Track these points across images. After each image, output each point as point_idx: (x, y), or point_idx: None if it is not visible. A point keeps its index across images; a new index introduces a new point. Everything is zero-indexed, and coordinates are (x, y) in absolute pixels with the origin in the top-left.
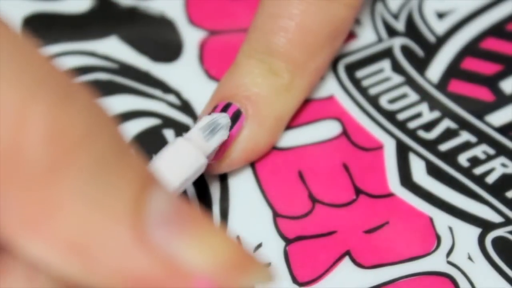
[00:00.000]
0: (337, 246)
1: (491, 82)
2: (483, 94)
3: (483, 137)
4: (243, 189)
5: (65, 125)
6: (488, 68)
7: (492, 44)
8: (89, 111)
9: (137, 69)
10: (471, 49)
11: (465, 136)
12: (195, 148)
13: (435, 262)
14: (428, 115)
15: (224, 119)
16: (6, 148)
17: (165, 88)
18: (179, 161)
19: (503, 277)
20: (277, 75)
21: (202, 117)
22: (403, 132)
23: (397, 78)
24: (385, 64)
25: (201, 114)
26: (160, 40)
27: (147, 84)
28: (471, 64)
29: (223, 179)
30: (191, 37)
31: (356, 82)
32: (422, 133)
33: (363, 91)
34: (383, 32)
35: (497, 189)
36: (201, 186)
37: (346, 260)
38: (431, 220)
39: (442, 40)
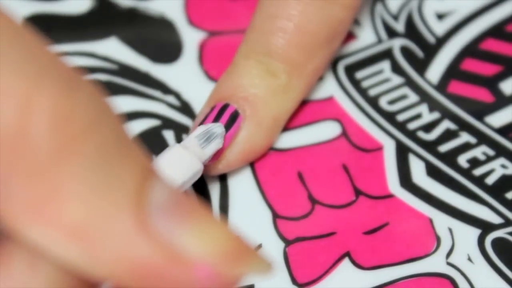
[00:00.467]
0: (336, 247)
1: (491, 83)
2: (483, 95)
3: (483, 138)
4: (243, 190)
5: (70, 112)
6: (488, 69)
7: (492, 45)
8: (94, 100)
9: (136, 70)
10: (471, 50)
11: (464, 137)
12: (191, 154)
13: (435, 263)
14: (428, 116)
15: (219, 128)
16: (12, 134)
17: (165, 89)
18: (176, 167)
19: (503, 278)
20: (275, 76)
21: (200, 117)
22: (403, 133)
23: (397, 79)
24: (385, 65)
25: (199, 114)
26: (160, 41)
27: (147, 85)
28: (471, 65)
29: (223, 180)
30: (191, 38)
31: (356, 83)
32: (421, 134)
33: (362, 92)
34: (383, 33)
35: (497, 190)
36: (200, 187)
37: (346, 261)
38: (430, 221)
39: (442, 41)
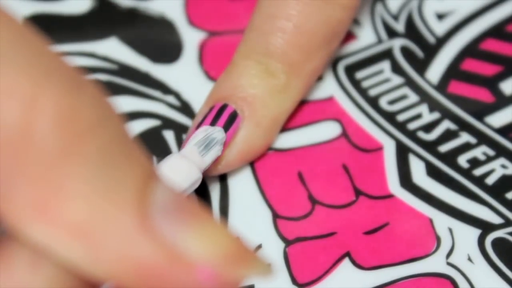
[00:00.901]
0: (337, 247)
1: (491, 83)
2: (483, 95)
3: (483, 138)
4: (243, 190)
5: (75, 112)
6: (488, 69)
7: (492, 45)
8: (97, 101)
9: (136, 70)
10: (471, 50)
11: (465, 137)
12: (189, 163)
13: (435, 263)
14: (428, 116)
15: (219, 134)
16: (16, 133)
17: (165, 89)
18: (175, 176)
19: (503, 278)
20: (274, 76)
21: (199, 117)
22: (403, 133)
23: (397, 79)
24: (385, 65)
25: (198, 114)
26: (160, 41)
27: (147, 85)
28: (471, 65)
29: (223, 180)
30: (191, 38)
31: (356, 83)
32: (422, 134)
33: (363, 92)
34: (383, 33)
35: (497, 190)
36: (201, 187)
37: (346, 261)
38: (431, 221)
39: (442, 41)
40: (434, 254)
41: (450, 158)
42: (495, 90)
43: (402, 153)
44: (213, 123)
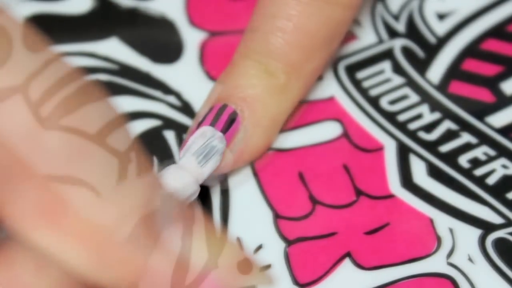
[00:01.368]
0: (337, 247)
1: (492, 83)
2: (484, 95)
3: (483, 138)
4: (244, 190)
5: (82, 121)
6: (488, 69)
7: (493, 45)
8: (103, 110)
9: (137, 70)
10: (472, 50)
11: (465, 137)
12: (187, 175)
13: (436, 263)
14: (429, 116)
15: (218, 141)
16: (24, 138)
17: (166, 89)
18: (171, 187)
19: (504, 278)
20: (273, 76)
21: (199, 117)
22: (404, 133)
23: (398, 79)
24: (386, 65)
25: (198, 114)
26: (161, 41)
27: (148, 85)
28: (472, 65)
29: (224, 180)
30: (192, 38)
31: (357, 83)
32: (422, 134)
33: (363, 92)
34: (384, 33)
35: (498, 190)
36: (201, 187)
37: (347, 262)
38: (431, 221)
39: (442, 41)
40: (434, 254)
41: (451, 158)
42: (496, 90)
43: (403, 153)
44: (212, 123)
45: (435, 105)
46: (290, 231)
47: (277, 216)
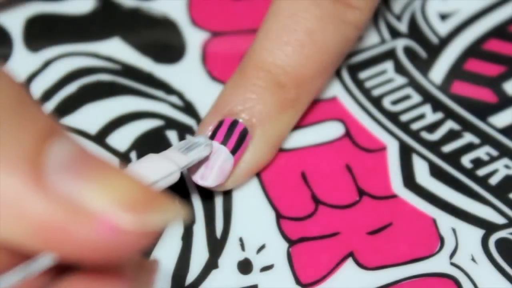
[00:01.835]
0: (340, 247)
1: (494, 84)
2: (486, 95)
3: (486, 139)
4: (246, 190)
5: None
6: (491, 69)
7: (495, 46)
8: None
9: (140, 70)
10: (474, 50)
11: (468, 138)
12: (162, 157)
13: (438, 263)
14: (431, 117)
15: (201, 138)
16: None
17: (168, 89)
18: (144, 168)
19: (507, 278)
20: (284, 89)
21: (206, 127)
22: (406, 133)
23: (400, 80)
24: (388, 65)
25: (205, 123)
26: (163, 41)
27: (150, 85)
28: (474, 66)
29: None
30: (194, 38)
31: (359, 83)
32: (425, 135)
33: (366, 92)
34: (386, 34)
35: (500, 190)
36: (204, 189)
37: (350, 261)
38: (434, 221)
39: (445, 41)
40: (437, 254)
41: (453, 158)
42: (498, 90)
43: (406, 153)
44: (224, 141)
45: (437, 105)
46: (292, 231)
47: (279, 216)
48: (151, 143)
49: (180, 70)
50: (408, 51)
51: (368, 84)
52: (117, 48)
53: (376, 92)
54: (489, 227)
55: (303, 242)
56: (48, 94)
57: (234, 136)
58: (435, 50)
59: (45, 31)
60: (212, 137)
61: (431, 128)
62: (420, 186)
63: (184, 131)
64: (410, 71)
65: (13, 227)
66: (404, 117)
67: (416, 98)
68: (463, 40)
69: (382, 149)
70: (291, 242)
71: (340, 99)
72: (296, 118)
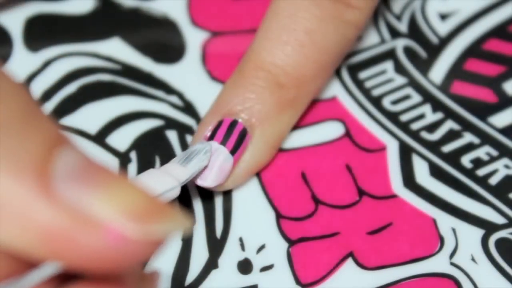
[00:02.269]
0: (340, 247)
1: (494, 83)
2: (486, 95)
3: (486, 139)
4: (246, 190)
5: None
6: (491, 69)
7: (495, 46)
8: None
9: (140, 70)
10: (474, 50)
11: (468, 138)
12: (162, 173)
13: (438, 263)
14: (431, 116)
15: (199, 145)
16: None
17: (168, 89)
18: (145, 183)
19: (507, 278)
20: (283, 89)
21: (205, 127)
22: (406, 133)
23: (400, 79)
24: (388, 65)
25: (204, 124)
26: (163, 41)
27: (150, 85)
28: (474, 66)
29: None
30: (194, 38)
31: (359, 83)
32: (425, 134)
33: (366, 92)
34: (386, 33)
35: (500, 190)
36: (204, 189)
37: (349, 261)
38: (434, 221)
39: (445, 41)
40: (437, 254)
41: (453, 158)
42: (498, 90)
43: (406, 153)
44: (224, 141)
45: (437, 105)
46: (292, 231)
47: (279, 216)
48: (151, 143)
49: (180, 70)
50: (408, 51)
51: (368, 84)
52: (117, 48)
53: (376, 92)
54: (489, 227)
55: (303, 242)
56: (48, 94)
57: (234, 136)
58: (435, 50)
59: (45, 31)
60: (212, 137)
61: (431, 128)
62: (420, 186)
63: (184, 131)
64: (410, 71)
65: (20, 235)
66: (404, 117)
67: (416, 98)
68: (463, 40)
69: (382, 149)
70: (291, 242)
71: (340, 99)
72: (296, 118)
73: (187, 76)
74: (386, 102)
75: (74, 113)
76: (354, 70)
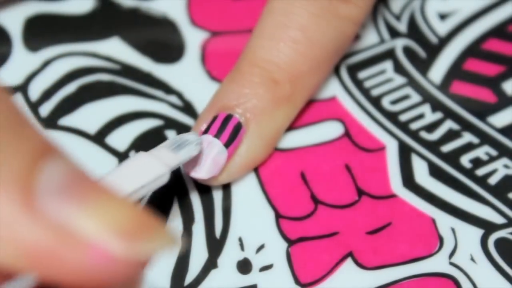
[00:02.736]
0: (339, 247)
1: (493, 83)
2: (485, 95)
3: (485, 138)
4: (246, 190)
5: None
6: (490, 69)
7: (494, 45)
8: None
9: (139, 70)
10: (473, 50)
11: (467, 137)
12: (153, 158)
13: (438, 263)
14: (431, 116)
15: (192, 136)
16: None
17: (167, 89)
18: (134, 169)
19: (506, 278)
20: (279, 85)
21: (201, 122)
22: (406, 133)
23: (400, 79)
24: (387, 65)
25: (200, 119)
26: (162, 41)
27: (149, 85)
28: (473, 65)
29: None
30: (193, 38)
31: (358, 83)
32: (424, 134)
33: (365, 92)
34: (385, 33)
35: (500, 190)
36: (204, 187)
37: (349, 261)
38: (433, 221)
39: (444, 41)
40: (436, 254)
41: (452, 158)
42: (498, 90)
43: (405, 153)
44: (218, 135)
45: (436, 105)
46: (292, 231)
47: (279, 216)
48: (150, 142)
49: (180, 70)
50: (407, 51)
51: (367, 84)
52: (116, 48)
53: (375, 92)
54: (488, 227)
55: (302, 241)
56: (47, 94)
57: (228, 130)
58: (434, 50)
59: (44, 30)
60: (206, 131)
61: (431, 127)
62: (420, 186)
63: (183, 130)
64: (410, 71)
65: (4, 249)
66: (403, 117)
67: (415, 98)
68: (462, 40)
69: (381, 148)
70: (290, 242)
71: (339, 99)
72: (292, 114)
73: (187, 76)
74: (386, 102)
75: (74, 113)
76: (353, 70)
